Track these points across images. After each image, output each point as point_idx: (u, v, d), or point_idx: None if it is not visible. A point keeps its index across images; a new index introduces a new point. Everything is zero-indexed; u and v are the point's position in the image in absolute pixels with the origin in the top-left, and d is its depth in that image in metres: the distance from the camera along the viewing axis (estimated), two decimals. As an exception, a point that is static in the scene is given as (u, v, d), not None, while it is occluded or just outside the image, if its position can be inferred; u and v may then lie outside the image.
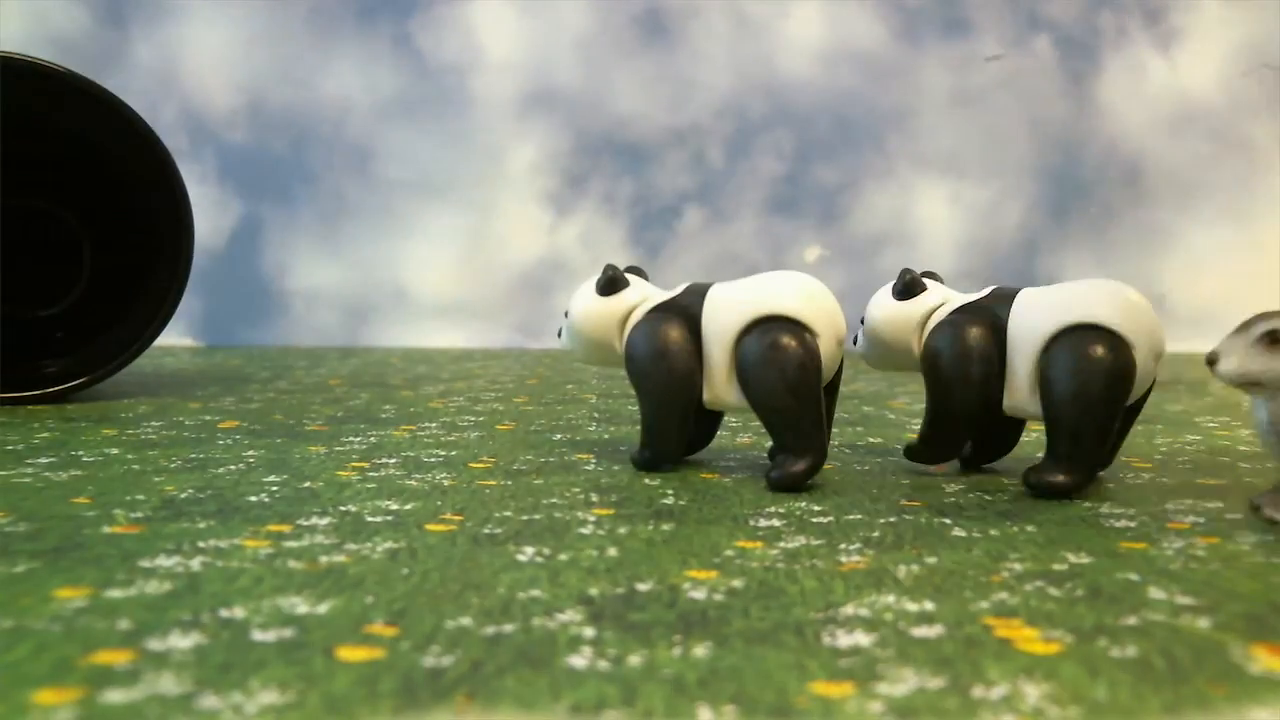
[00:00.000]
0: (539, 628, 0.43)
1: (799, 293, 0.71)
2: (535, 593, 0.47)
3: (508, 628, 0.43)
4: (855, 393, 1.28)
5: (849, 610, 0.45)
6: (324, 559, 0.53)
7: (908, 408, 1.15)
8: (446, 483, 0.72)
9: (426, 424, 0.99)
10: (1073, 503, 0.68)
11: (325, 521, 0.61)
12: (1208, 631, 0.43)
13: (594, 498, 0.68)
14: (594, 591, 0.48)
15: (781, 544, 0.56)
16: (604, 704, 0.35)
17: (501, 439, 0.92)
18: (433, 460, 0.81)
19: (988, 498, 0.69)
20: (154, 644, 0.40)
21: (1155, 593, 0.48)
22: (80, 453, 0.82)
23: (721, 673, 0.38)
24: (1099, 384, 0.67)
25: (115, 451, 0.83)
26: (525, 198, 2.02)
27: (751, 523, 0.61)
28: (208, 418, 1.02)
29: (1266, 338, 0.59)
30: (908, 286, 0.77)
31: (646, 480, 0.74)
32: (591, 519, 0.62)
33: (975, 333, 0.72)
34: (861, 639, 0.42)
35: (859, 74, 2.04)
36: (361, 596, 0.46)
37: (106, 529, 0.58)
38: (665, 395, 0.74)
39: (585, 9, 2.00)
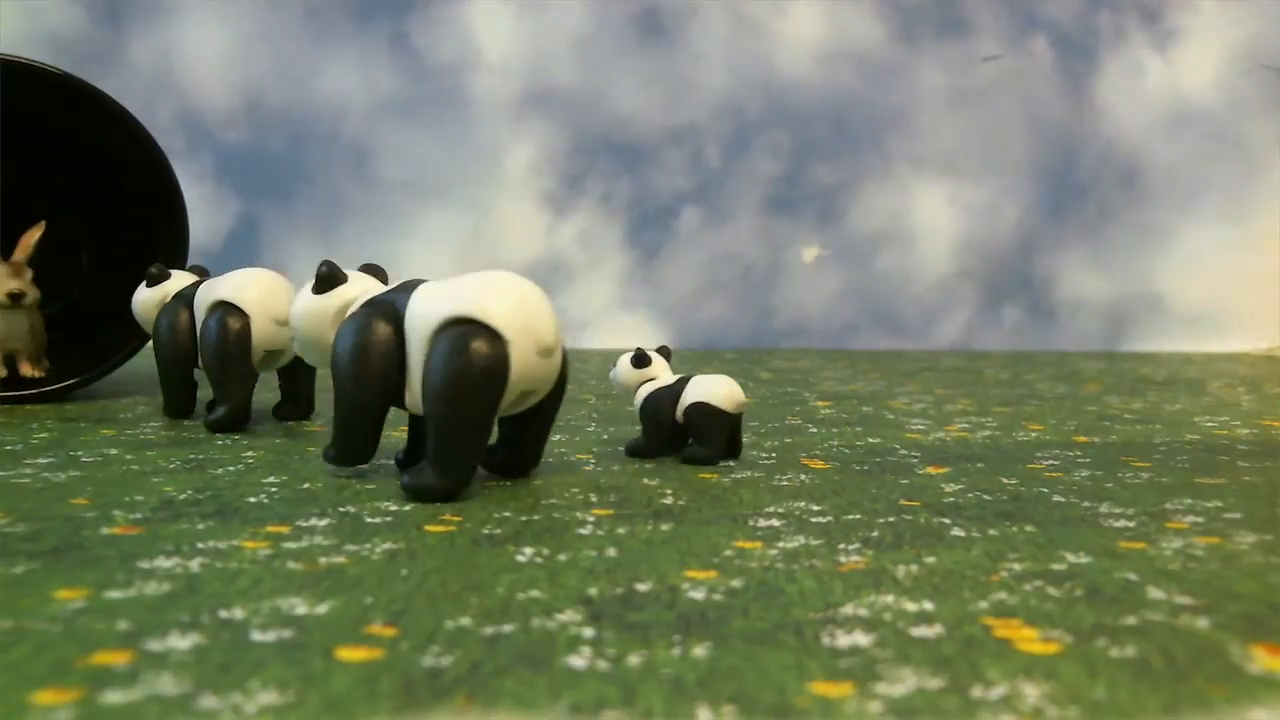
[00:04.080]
0: (538, 628, 0.43)
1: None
2: (534, 593, 0.47)
3: (507, 628, 0.43)
4: (854, 393, 1.28)
5: (848, 610, 0.45)
6: (323, 560, 0.53)
7: (907, 408, 1.15)
8: (445, 483, 0.72)
9: (425, 424, 0.99)
10: (1071, 502, 0.68)
11: (324, 522, 0.60)
12: (1207, 631, 0.43)
13: (593, 498, 0.68)
14: (593, 592, 0.48)
15: (780, 544, 0.56)
16: (603, 704, 0.35)
17: (500, 439, 0.92)
18: (431, 460, 0.81)
19: (987, 498, 0.69)
20: (153, 645, 0.40)
21: (1154, 592, 0.48)
22: (79, 453, 0.82)
23: (721, 673, 0.38)
24: (467, 380, 0.64)
25: (114, 452, 0.83)
26: (523, 198, 2.02)
27: (750, 523, 0.61)
28: (206, 418, 1.02)
29: None
30: (323, 279, 0.74)
31: (645, 480, 0.74)
32: (591, 519, 0.62)
33: (377, 327, 0.69)
34: (860, 639, 0.42)
35: (857, 74, 2.04)
36: (361, 597, 0.46)
37: (106, 530, 0.58)
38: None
39: (583, 9, 2.00)
